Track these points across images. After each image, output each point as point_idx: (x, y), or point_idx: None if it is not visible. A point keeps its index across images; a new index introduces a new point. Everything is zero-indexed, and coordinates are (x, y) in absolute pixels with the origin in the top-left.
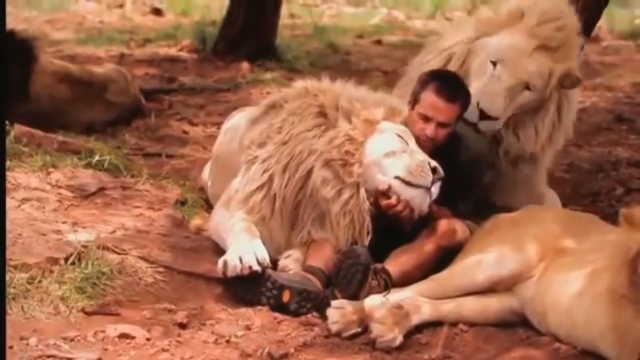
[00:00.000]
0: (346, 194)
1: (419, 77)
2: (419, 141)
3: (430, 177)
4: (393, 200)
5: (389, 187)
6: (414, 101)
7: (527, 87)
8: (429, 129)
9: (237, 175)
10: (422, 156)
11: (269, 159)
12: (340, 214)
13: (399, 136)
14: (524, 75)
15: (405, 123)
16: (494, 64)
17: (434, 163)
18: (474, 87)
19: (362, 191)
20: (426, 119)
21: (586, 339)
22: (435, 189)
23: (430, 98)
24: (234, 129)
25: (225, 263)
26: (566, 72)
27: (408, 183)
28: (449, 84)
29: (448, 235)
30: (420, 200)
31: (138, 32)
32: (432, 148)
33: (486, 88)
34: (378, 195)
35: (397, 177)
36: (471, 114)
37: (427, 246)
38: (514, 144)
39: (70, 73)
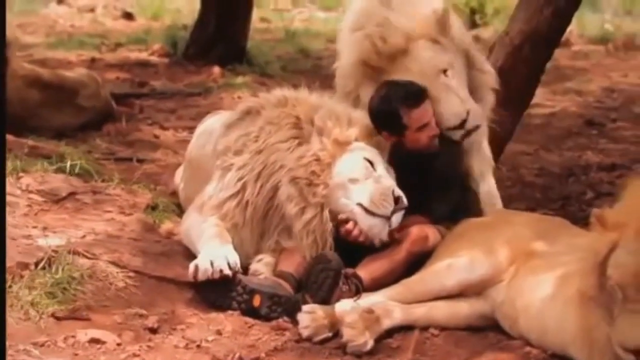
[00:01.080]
0: (309, 214)
1: (374, 114)
2: (431, 147)
3: (391, 207)
4: (350, 226)
5: (347, 217)
6: (399, 131)
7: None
8: (433, 129)
9: (211, 181)
10: (388, 183)
11: (244, 167)
12: (304, 232)
13: (367, 160)
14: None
15: (380, 143)
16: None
17: (398, 192)
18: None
19: (326, 212)
20: (421, 128)
21: (557, 342)
22: (395, 219)
23: (412, 114)
24: (208, 133)
25: (196, 267)
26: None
27: (369, 212)
28: (409, 92)
29: (420, 241)
30: (379, 230)
31: (109, 36)
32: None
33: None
34: (338, 221)
35: (359, 204)
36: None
37: (398, 252)
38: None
39: (40, 77)
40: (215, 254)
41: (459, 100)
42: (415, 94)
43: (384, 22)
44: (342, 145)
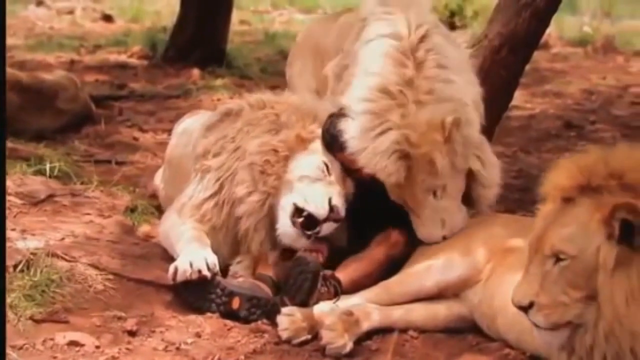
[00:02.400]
0: (255, 197)
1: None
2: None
3: (325, 211)
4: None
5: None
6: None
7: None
8: (362, 177)
9: (190, 183)
10: (333, 190)
11: (221, 168)
12: (246, 214)
13: (325, 163)
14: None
15: None
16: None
17: (335, 201)
18: None
19: (270, 202)
20: (355, 171)
21: (535, 343)
22: (327, 226)
23: (343, 158)
24: (189, 133)
25: (175, 269)
26: None
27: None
28: (337, 138)
29: (400, 245)
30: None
31: (88, 38)
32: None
33: None
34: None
35: (294, 203)
36: None
37: (377, 255)
38: None
39: (19, 81)
40: (194, 255)
41: (438, 226)
42: (342, 144)
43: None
44: (304, 141)
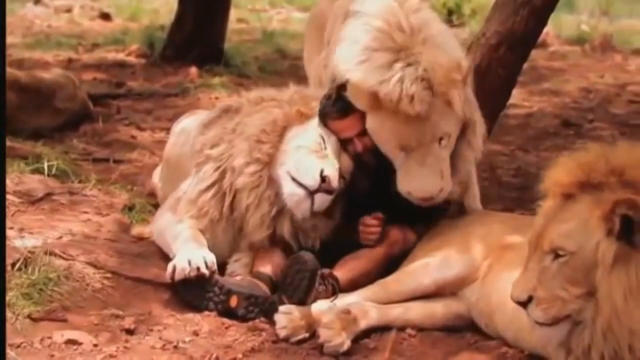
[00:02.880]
0: (252, 168)
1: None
2: (361, 157)
3: (315, 182)
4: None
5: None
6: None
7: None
8: (356, 146)
9: (187, 178)
10: (327, 162)
11: (220, 157)
12: (247, 190)
13: (322, 137)
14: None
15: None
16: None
17: (328, 172)
18: None
19: (266, 172)
20: (346, 140)
21: (533, 341)
22: (319, 198)
23: (334, 125)
24: (187, 132)
25: (174, 267)
26: None
27: (293, 179)
28: (334, 104)
29: (398, 243)
30: (298, 199)
31: (86, 36)
32: (372, 153)
33: None
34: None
35: (287, 172)
36: None
37: (376, 253)
38: None
39: (18, 80)
40: (192, 254)
41: (437, 178)
42: (340, 109)
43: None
44: (303, 115)
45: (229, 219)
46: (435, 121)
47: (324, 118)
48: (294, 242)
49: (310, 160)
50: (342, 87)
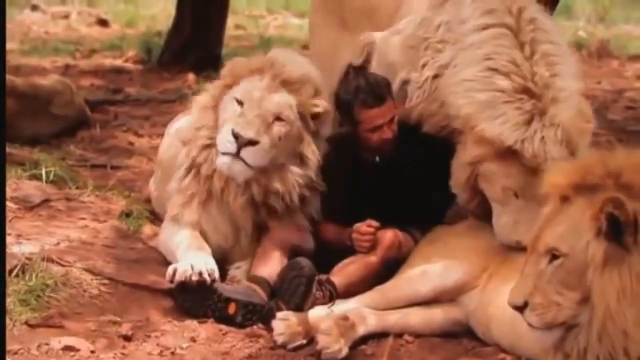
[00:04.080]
0: (204, 154)
1: (335, 99)
2: (384, 147)
3: (231, 144)
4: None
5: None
6: (353, 124)
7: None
8: (386, 133)
9: None
10: (236, 120)
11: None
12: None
13: (238, 101)
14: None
15: None
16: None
17: (237, 127)
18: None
19: (206, 153)
20: (376, 128)
21: (530, 349)
22: (245, 154)
23: (365, 114)
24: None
25: (174, 269)
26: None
27: (219, 152)
28: (369, 91)
29: (394, 247)
30: (229, 167)
31: (83, 42)
32: (395, 141)
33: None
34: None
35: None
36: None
37: (372, 258)
38: None
39: (15, 87)
40: (194, 259)
41: (511, 228)
42: (375, 96)
43: None
44: (227, 87)
45: (219, 198)
46: (516, 175)
47: (349, 106)
48: (277, 204)
49: (224, 128)
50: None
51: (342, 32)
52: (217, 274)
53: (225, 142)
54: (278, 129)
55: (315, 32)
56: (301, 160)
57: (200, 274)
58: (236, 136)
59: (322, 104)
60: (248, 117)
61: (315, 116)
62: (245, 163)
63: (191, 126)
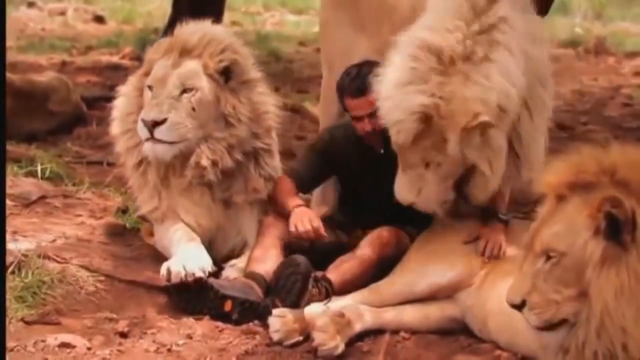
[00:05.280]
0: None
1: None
2: (369, 139)
3: (144, 130)
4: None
5: None
6: (345, 110)
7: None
8: (366, 125)
9: None
10: (146, 109)
11: None
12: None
13: (148, 87)
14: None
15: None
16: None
17: (143, 114)
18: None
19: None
20: (357, 118)
21: (527, 345)
22: (159, 133)
23: (348, 102)
24: None
25: (168, 270)
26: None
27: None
28: (353, 81)
29: (390, 244)
30: (151, 151)
31: (80, 39)
32: (381, 137)
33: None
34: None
35: None
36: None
37: (368, 255)
38: None
39: (12, 84)
40: (186, 256)
41: (413, 192)
42: (356, 88)
43: None
44: (143, 76)
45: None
46: (425, 147)
47: (341, 92)
48: (213, 176)
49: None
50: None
51: (357, 32)
52: (209, 267)
53: (140, 129)
54: (187, 99)
55: (326, 31)
56: (226, 122)
57: (193, 274)
58: (142, 120)
59: (227, 56)
60: (156, 99)
61: (225, 71)
62: (164, 142)
63: (119, 116)
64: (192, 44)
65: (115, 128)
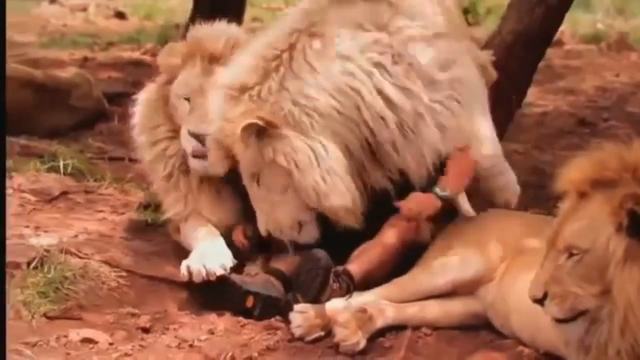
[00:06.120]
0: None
1: None
2: None
3: (197, 145)
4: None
5: None
6: None
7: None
8: None
9: None
10: (190, 119)
11: None
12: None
13: (184, 98)
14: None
15: None
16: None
17: (191, 129)
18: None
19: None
20: None
21: (549, 341)
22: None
23: None
24: None
25: (188, 269)
26: None
27: (188, 154)
28: None
29: (411, 229)
30: (204, 165)
31: (101, 35)
32: None
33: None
34: None
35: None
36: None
37: (391, 241)
38: None
39: (34, 79)
40: (206, 254)
41: (262, 214)
42: None
43: None
44: (166, 84)
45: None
46: (240, 166)
47: None
48: None
49: (182, 131)
50: None
51: None
52: (230, 263)
53: (190, 144)
54: None
55: None
56: None
57: (215, 273)
58: (195, 136)
59: None
60: (197, 111)
61: None
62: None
63: (143, 126)
64: (219, 50)
65: (140, 137)
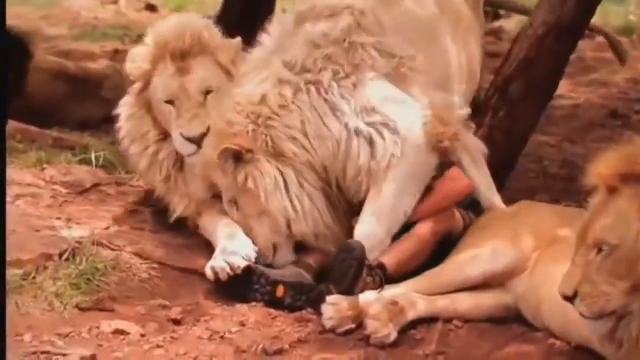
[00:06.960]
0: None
1: None
2: None
3: (191, 146)
4: None
5: None
6: None
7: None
8: None
9: None
10: (179, 122)
11: None
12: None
13: (165, 102)
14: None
15: None
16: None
17: (183, 132)
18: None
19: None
20: None
21: (580, 335)
22: None
23: None
24: None
25: (213, 269)
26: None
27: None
28: None
29: (445, 218)
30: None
31: (132, 27)
32: None
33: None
34: None
35: None
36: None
37: (423, 231)
38: None
39: (65, 70)
40: (227, 250)
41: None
42: None
43: None
44: (142, 91)
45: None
46: (223, 189)
47: None
48: None
49: (174, 135)
50: None
51: None
52: (254, 253)
53: (183, 147)
54: (213, 98)
55: None
56: None
57: (239, 267)
58: (190, 139)
59: (232, 42)
60: (185, 113)
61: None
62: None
63: (132, 137)
64: (188, 46)
65: (131, 147)
